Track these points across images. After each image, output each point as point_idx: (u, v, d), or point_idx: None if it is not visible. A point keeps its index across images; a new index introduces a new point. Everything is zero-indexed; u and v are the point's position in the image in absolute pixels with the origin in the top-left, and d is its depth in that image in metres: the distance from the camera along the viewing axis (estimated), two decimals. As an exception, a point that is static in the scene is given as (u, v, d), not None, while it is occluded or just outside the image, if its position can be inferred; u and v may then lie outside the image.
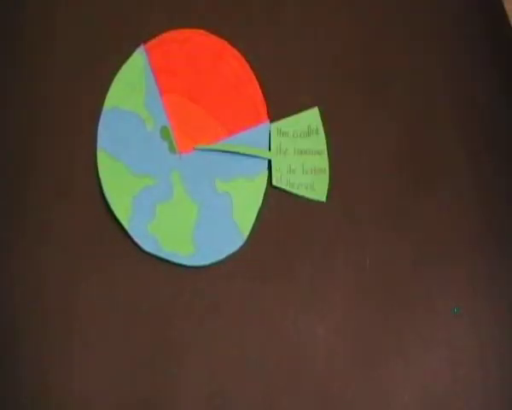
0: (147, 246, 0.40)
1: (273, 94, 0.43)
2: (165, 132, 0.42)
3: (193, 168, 0.41)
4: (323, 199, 0.42)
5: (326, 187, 0.42)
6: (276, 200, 0.42)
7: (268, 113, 0.42)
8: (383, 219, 0.41)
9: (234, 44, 0.43)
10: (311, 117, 0.42)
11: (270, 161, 0.42)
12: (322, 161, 0.42)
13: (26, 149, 0.42)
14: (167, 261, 0.40)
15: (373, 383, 0.39)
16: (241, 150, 0.41)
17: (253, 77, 0.43)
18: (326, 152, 0.42)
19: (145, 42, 0.43)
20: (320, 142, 0.42)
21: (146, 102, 0.42)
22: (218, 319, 0.40)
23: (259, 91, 0.42)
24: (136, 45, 0.43)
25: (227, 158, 0.42)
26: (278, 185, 0.42)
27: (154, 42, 0.43)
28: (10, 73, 0.43)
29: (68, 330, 0.39)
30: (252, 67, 0.43)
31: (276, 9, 0.44)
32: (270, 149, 0.42)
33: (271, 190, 0.42)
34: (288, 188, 0.41)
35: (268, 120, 0.42)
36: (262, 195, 0.41)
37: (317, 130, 0.42)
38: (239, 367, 0.39)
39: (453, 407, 0.39)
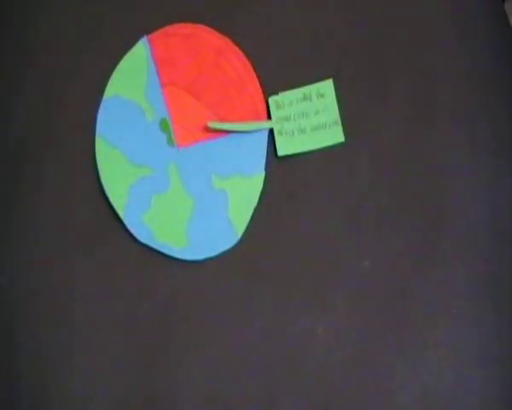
0: (140, 236, 0.40)
1: (273, 94, 0.42)
2: (164, 125, 0.42)
3: (190, 162, 0.41)
4: (342, 139, 0.41)
5: (341, 133, 0.41)
6: (275, 199, 0.41)
7: (267, 112, 0.42)
8: (383, 219, 0.41)
9: (236, 42, 0.43)
10: (307, 89, 0.42)
11: (271, 161, 0.42)
12: (334, 113, 0.42)
13: (26, 138, 0.42)
14: (160, 253, 0.40)
15: (373, 383, 0.39)
16: (247, 128, 0.41)
17: (254, 76, 0.42)
18: (336, 106, 0.42)
19: (148, 33, 0.43)
20: (321, 103, 0.42)
21: (146, 92, 0.42)
22: (218, 319, 0.40)
23: (260, 90, 0.42)
24: (140, 36, 0.43)
25: (224, 155, 0.41)
26: (286, 153, 0.41)
27: (157, 34, 0.43)
28: (10, 60, 0.42)
29: (66, 327, 0.39)
30: (253, 65, 0.42)
31: (277, 8, 0.43)
32: (270, 132, 0.42)
33: (269, 190, 0.41)
34: (299, 150, 0.41)
35: (267, 120, 0.42)
36: (258, 195, 0.41)
37: (312, 96, 0.42)
38: (239, 367, 0.39)
39: (453, 407, 0.39)
